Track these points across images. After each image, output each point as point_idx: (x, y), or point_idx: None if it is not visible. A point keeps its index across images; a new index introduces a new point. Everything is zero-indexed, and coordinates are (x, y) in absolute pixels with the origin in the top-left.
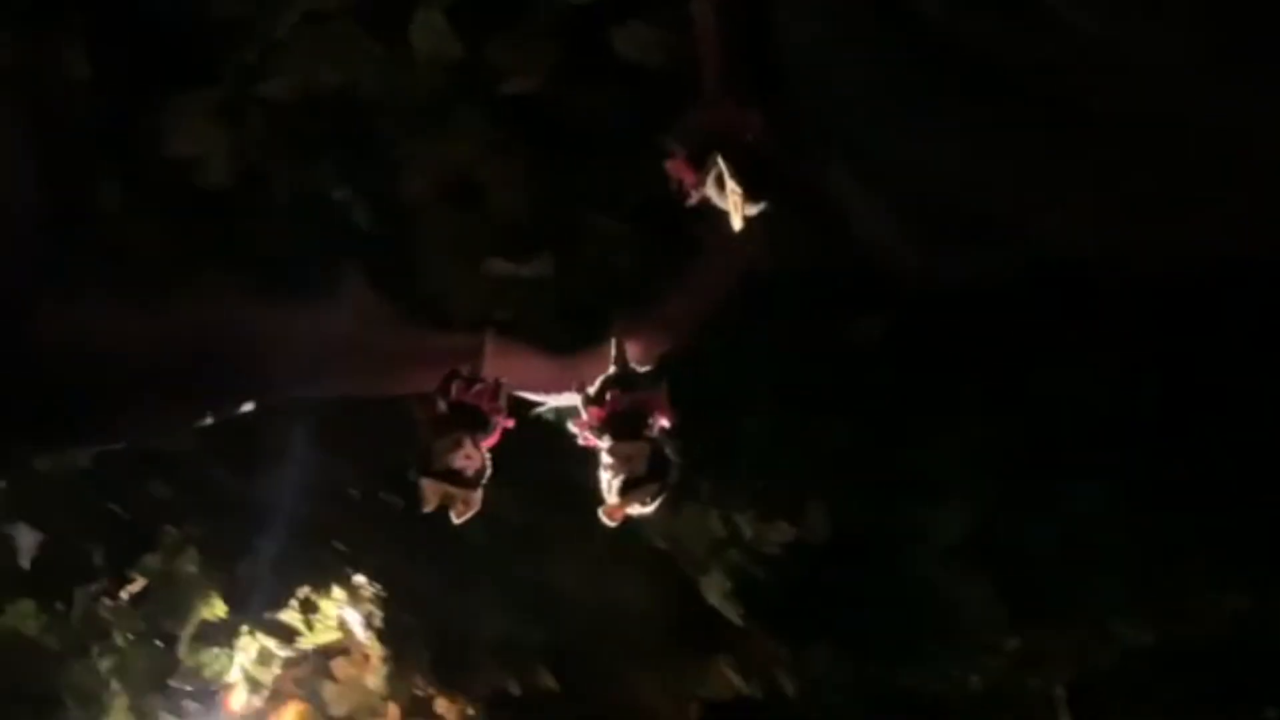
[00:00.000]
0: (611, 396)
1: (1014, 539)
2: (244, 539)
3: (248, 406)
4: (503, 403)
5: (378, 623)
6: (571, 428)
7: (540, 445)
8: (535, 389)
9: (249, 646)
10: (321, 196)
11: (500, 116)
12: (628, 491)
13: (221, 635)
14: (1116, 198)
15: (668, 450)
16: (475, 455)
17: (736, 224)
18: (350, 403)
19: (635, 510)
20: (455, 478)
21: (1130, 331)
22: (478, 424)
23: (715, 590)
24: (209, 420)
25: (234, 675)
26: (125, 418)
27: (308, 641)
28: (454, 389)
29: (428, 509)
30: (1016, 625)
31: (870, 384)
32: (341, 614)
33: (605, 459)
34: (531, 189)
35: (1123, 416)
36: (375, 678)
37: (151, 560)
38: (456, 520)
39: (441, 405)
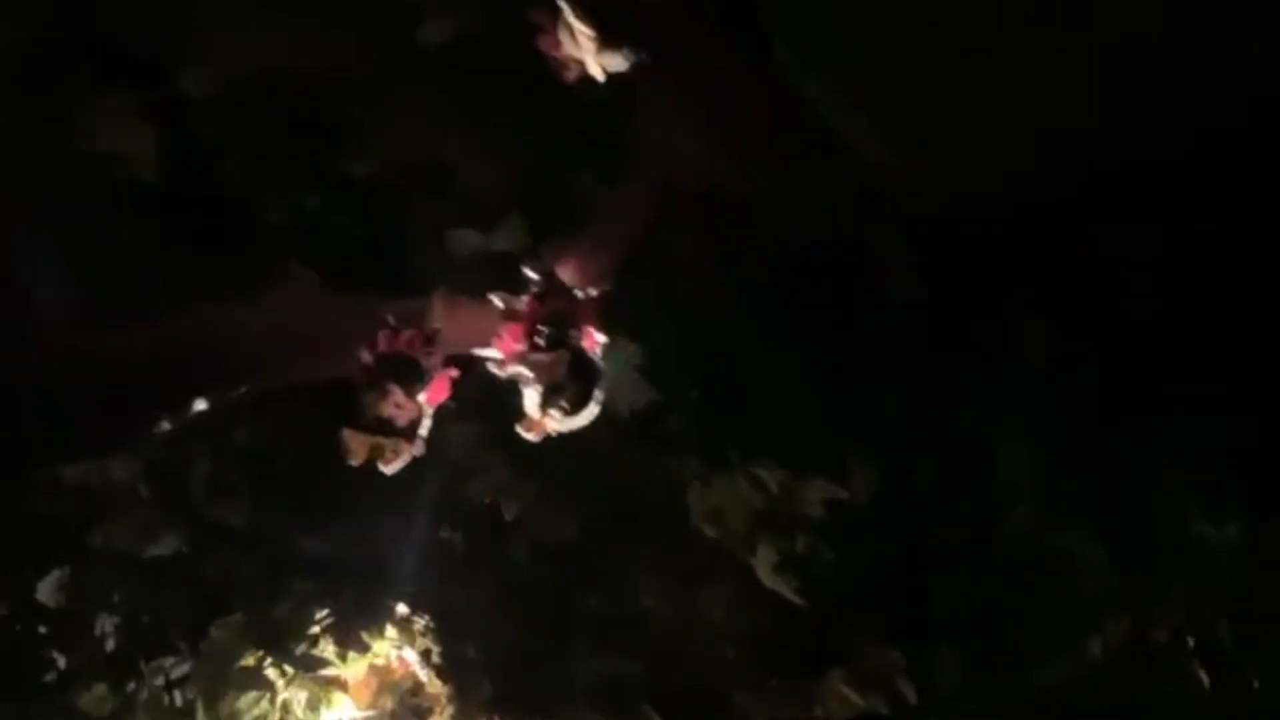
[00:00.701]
0: (528, 308)
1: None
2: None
3: (201, 405)
4: (438, 350)
5: (436, 658)
6: (491, 367)
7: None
8: (488, 342)
9: (296, 695)
10: (261, 186)
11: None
12: (547, 400)
13: (258, 680)
14: None
15: (593, 357)
16: (408, 405)
17: (595, 72)
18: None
19: (557, 425)
20: (384, 427)
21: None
22: (409, 374)
23: (765, 566)
24: (165, 425)
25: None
26: (91, 433)
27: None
28: (381, 340)
29: (354, 462)
30: (1123, 573)
31: (908, 333)
32: (400, 654)
33: (524, 373)
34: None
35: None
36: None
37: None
38: (386, 470)
39: (366, 356)
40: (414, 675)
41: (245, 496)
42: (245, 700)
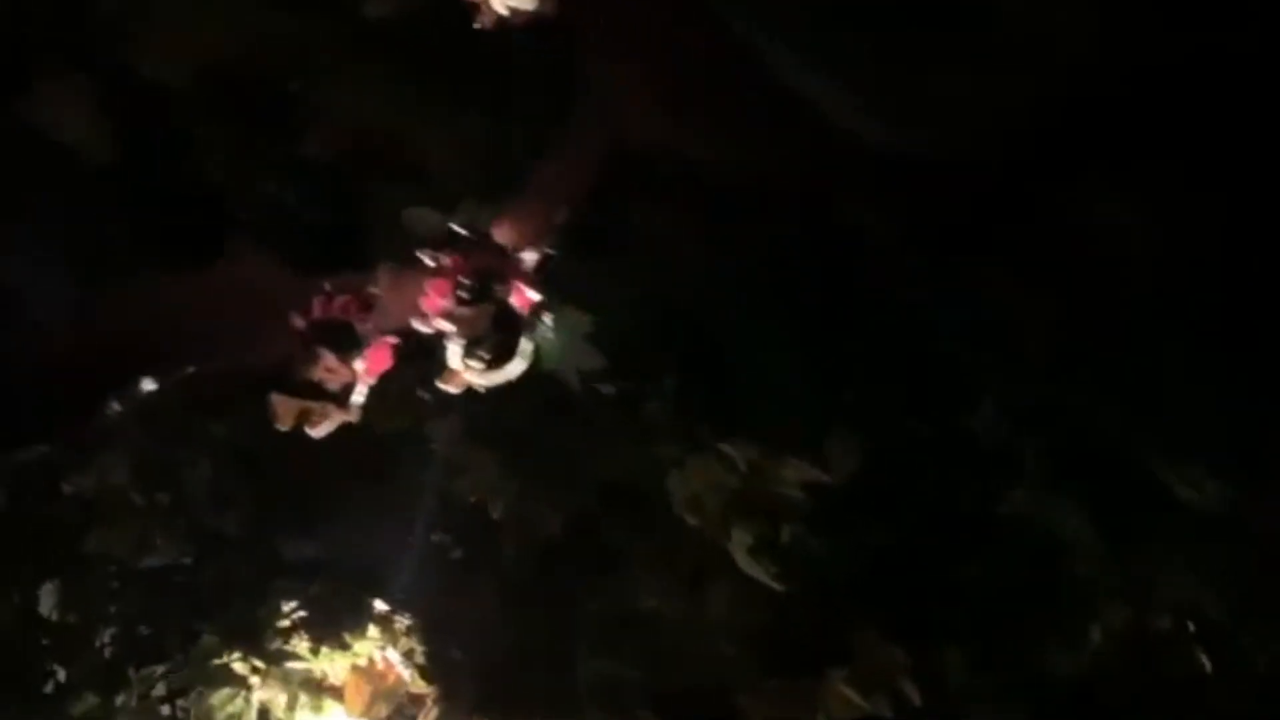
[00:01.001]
0: (453, 263)
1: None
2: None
3: (149, 385)
4: (375, 317)
5: (419, 659)
6: (416, 324)
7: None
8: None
9: (276, 697)
10: (212, 167)
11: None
12: (468, 353)
13: (231, 678)
14: None
15: (518, 312)
16: (340, 370)
17: (500, 9)
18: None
19: (478, 378)
20: (314, 391)
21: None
22: (342, 339)
23: (741, 551)
24: (114, 407)
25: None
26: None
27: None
28: (316, 305)
29: (282, 426)
30: (1114, 547)
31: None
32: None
33: (448, 327)
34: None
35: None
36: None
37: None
38: (314, 434)
39: (299, 322)
40: (407, 683)
41: (240, 503)
42: (218, 697)
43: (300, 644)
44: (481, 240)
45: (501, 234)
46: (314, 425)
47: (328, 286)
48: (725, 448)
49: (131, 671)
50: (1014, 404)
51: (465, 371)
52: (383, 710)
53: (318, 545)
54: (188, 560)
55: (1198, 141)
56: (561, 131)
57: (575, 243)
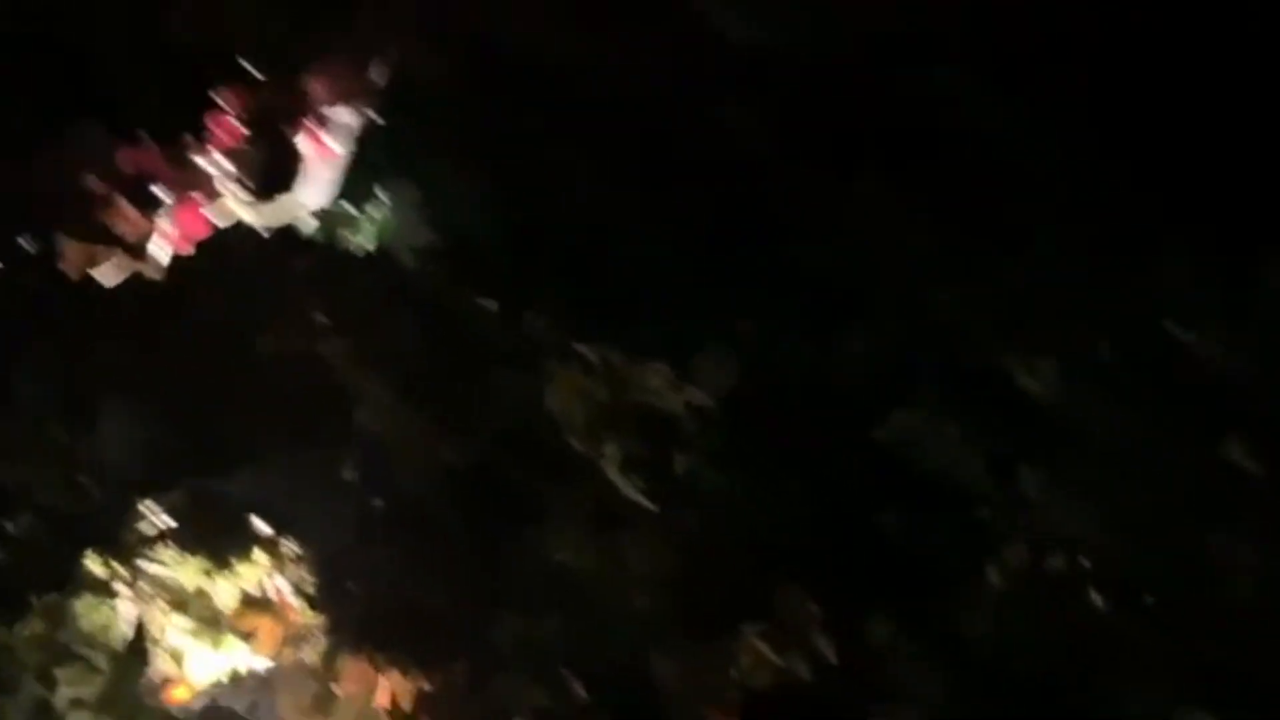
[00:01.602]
0: (239, 100)
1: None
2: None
3: None
4: (187, 171)
5: (309, 589)
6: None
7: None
8: None
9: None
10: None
11: None
12: (240, 184)
13: (95, 584)
14: None
15: (297, 149)
16: (139, 221)
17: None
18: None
19: (253, 215)
20: (105, 237)
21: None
22: (144, 191)
23: (614, 466)
24: None
25: (124, 626)
26: None
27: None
28: (122, 156)
29: (70, 271)
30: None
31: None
32: (274, 581)
33: (226, 166)
34: None
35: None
36: (311, 651)
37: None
38: (104, 282)
39: (101, 171)
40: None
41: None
42: (82, 604)
43: (166, 553)
44: (274, 83)
45: (309, 84)
46: (102, 269)
47: (142, 136)
48: (586, 352)
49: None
50: (893, 320)
51: (237, 203)
52: (292, 653)
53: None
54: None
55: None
56: None
57: (435, 133)
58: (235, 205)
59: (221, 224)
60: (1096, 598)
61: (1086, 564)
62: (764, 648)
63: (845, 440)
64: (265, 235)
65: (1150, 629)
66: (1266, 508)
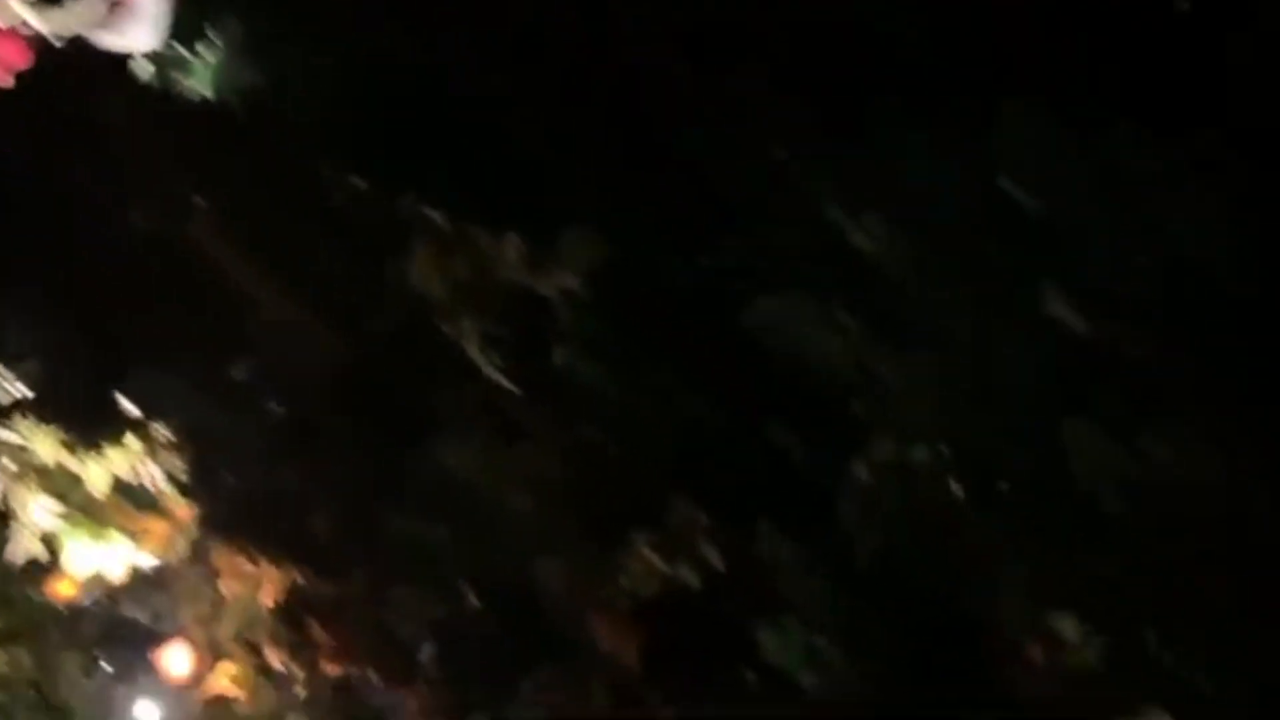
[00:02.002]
0: None
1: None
2: None
3: None
4: None
5: (182, 477)
6: None
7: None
8: None
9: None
10: None
11: None
12: None
13: None
14: None
15: None
16: None
17: None
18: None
19: (34, 16)
20: None
21: None
22: None
23: (473, 343)
24: None
25: None
26: None
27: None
28: None
29: None
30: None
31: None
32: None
33: None
34: None
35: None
36: (182, 539)
37: None
38: None
39: None
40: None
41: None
42: None
43: (22, 424)
44: None
45: None
46: None
47: None
48: (437, 219)
49: None
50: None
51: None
52: (176, 551)
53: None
54: None
55: None
56: None
57: None
58: (17, 5)
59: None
60: (957, 489)
61: (946, 453)
62: (653, 557)
63: (715, 331)
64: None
65: (1010, 525)
66: (1108, 383)
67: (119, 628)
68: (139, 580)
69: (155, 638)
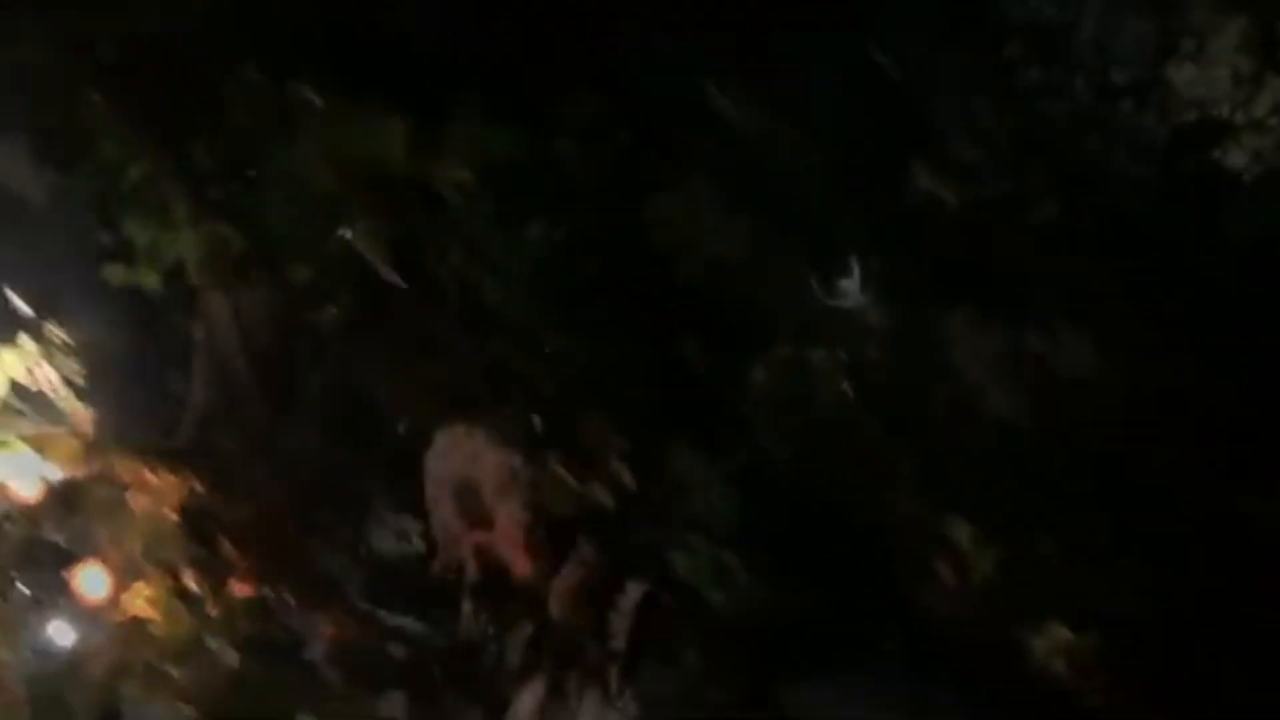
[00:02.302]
0: None
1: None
2: None
3: None
4: None
5: (79, 381)
6: None
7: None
8: None
9: None
10: None
11: None
12: None
13: None
14: None
15: None
16: None
17: None
18: None
19: None
20: None
21: None
22: None
23: (365, 239)
24: None
25: None
26: None
27: None
28: None
29: None
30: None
31: None
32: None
33: None
34: None
35: None
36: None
37: None
38: None
39: None
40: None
41: None
42: None
43: None
44: None
45: None
46: None
47: None
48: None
49: None
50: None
51: None
52: (83, 468)
53: None
54: None
55: None
56: None
57: None
58: None
59: None
60: (848, 388)
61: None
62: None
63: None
64: None
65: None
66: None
67: (36, 549)
68: (55, 500)
69: (73, 560)
